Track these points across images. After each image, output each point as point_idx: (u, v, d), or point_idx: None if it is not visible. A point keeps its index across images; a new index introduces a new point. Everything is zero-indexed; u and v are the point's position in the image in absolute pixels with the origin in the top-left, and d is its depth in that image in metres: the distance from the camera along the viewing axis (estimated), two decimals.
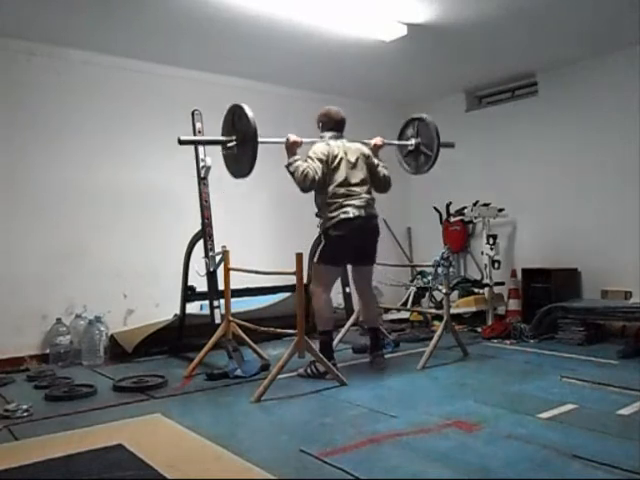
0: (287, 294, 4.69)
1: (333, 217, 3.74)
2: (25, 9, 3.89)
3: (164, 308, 4.77)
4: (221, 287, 4.10)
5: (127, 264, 4.83)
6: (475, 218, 5.72)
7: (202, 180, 4.32)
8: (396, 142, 4.55)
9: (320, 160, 3.75)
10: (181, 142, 3.64)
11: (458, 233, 6.18)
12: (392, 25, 4.27)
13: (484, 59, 5.22)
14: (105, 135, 4.81)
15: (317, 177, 3.70)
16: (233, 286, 4.08)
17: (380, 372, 3.87)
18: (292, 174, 3.72)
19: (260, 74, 5.46)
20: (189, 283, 4.47)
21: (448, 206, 6.20)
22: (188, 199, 4.54)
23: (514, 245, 5.86)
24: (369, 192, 3.92)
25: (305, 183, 3.69)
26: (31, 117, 4.49)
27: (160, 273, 4.91)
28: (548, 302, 4.91)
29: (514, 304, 5.48)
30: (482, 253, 5.58)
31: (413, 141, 4.46)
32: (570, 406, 2.94)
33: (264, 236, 5.63)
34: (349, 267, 4.26)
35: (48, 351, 4.38)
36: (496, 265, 5.50)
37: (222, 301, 4.08)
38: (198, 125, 4.35)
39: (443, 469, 2.19)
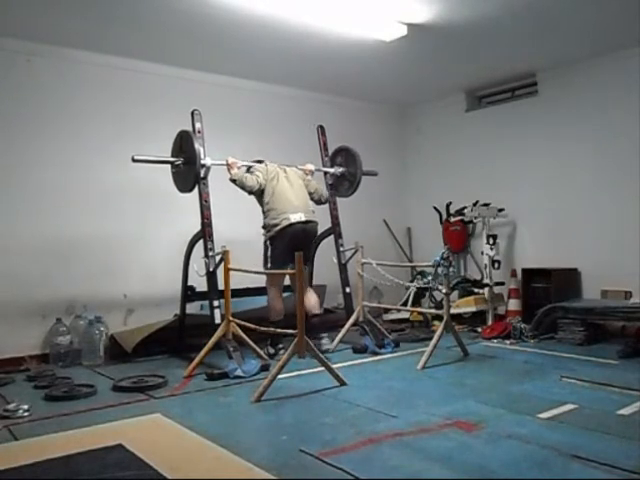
0: (287, 294, 4.69)
1: (276, 224, 4.31)
2: (25, 9, 3.89)
3: (164, 308, 4.77)
4: (221, 287, 4.10)
5: (127, 264, 4.83)
6: (475, 218, 5.72)
7: (202, 180, 4.32)
8: (323, 169, 5.13)
9: (260, 172, 4.44)
10: (135, 160, 4.05)
11: (458, 233, 6.18)
12: (392, 25, 4.27)
13: (484, 59, 5.21)
14: (105, 135, 4.80)
15: (260, 180, 4.39)
16: (233, 286, 4.08)
17: (380, 372, 3.87)
18: (235, 182, 4.36)
19: (260, 74, 5.46)
20: (189, 283, 4.48)
21: (448, 206, 6.19)
22: (188, 199, 4.54)
23: (514, 245, 5.86)
24: (308, 205, 4.51)
25: (249, 183, 4.35)
26: (31, 117, 4.49)
27: (160, 273, 4.92)
28: (548, 302, 4.91)
29: (514, 304, 5.47)
30: (482, 253, 5.58)
31: (340, 169, 5.11)
32: (570, 406, 2.94)
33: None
34: None
35: (48, 351, 4.38)
36: (496, 265, 5.51)
37: (222, 301, 4.09)
38: (198, 125, 4.36)
39: (443, 469, 2.19)
